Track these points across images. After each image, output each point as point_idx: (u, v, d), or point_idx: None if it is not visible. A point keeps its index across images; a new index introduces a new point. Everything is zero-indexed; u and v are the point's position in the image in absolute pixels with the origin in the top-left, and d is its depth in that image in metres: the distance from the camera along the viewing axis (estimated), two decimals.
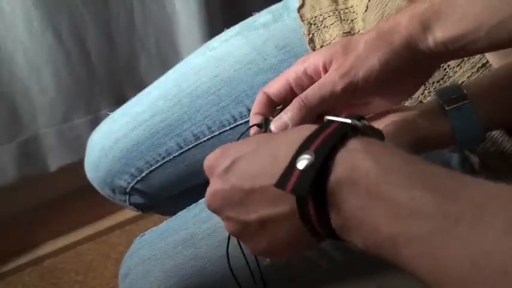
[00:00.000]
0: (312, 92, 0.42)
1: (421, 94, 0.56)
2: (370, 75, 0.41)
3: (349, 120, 0.32)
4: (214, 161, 0.37)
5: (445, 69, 0.55)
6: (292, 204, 0.32)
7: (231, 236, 0.48)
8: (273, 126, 0.42)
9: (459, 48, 0.40)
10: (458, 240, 0.25)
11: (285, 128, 0.42)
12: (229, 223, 0.37)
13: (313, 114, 0.43)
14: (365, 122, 0.33)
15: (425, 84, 0.56)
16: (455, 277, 0.25)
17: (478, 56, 0.52)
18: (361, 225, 0.29)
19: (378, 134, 0.34)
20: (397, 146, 0.31)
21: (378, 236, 0.28)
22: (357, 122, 0.32)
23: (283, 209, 0.32)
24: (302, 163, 0.30)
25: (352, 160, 0.29)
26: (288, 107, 0.43)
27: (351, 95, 0.42)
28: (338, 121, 0.32)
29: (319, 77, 0.44)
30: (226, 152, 0.36)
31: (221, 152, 0.37)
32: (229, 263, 0.47)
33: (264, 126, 0.42)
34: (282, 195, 0.31)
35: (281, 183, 0.30)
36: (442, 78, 0.55)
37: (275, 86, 0.46)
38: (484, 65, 0.51)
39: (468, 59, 0.53)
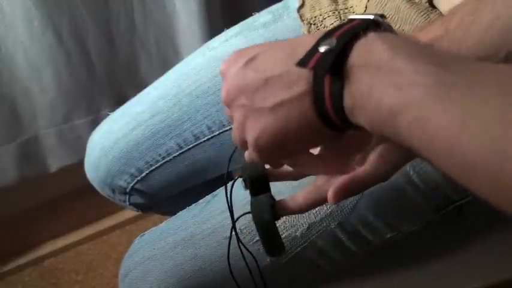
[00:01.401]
0: None
1: None
2: None
3: (371, 16, 0.34)
4: (231, 61, 0.38)
5: None
6: (307, 86, 0.33)
7: (227, 238, 0.48)
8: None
9: None
10: (450, 103, 0.26)
11: None
12: (240, 113, 0.37)
13: None
14: (386, 20, 0.34)
15: None
16: (444, 139, 0.26)
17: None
18: (368, 101, 0.30)
19: (396, 32, 0.35)
20: None
21: (381, 111, 0.29)
22: (379, 18, 0.33)
23: (298, 90, 0.33)
24: (324, 47, 0.32)
25: (369, 46, 0.31)
26: None
27: None
28: (361, 18, 0.34)
29: None
30: (243, 52, 0.37)
31: (238, 52, 0.37)
32: (229, 263, 0.47)
33: None
34: (299, 78, 0.33)
35: (303, 62, 0.32)
36: None
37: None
38: None
39: None
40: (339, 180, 0.37)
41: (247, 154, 0.43)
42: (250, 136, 0.37)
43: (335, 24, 0.65)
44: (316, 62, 0.32)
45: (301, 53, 0.33)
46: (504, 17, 0.36)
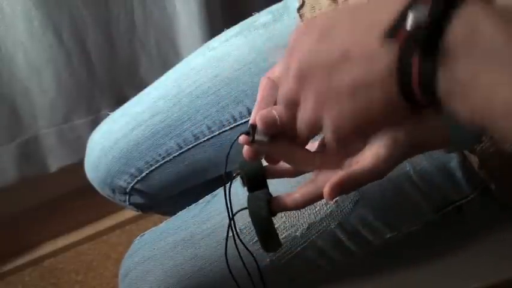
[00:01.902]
0: None
1: None
2: None
3: None
4: (302, 32, 0.33)
5: None
6: (392, 64, 0.29)
7: (229, 237, 0.48)
8: (258, 120, 0.40)
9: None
10: None
11: (272, 123, 0.39)
12: (316, 94, 0.33)
13: None
14: None
15: None
16: None
17: None
18: (474, 90, 0.26)
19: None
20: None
21: (492, 103, 0.26)
22: None
23: (381, 68, 0.29)
24: (413, 18, 0.27)
25: (473, 19, 0.26)
26: (280, 108, 0.40)
27: None
28: None
29: None
30: (316, 22, 0.32)
31: (310, 22, 0.33)
32: (227, 262, 0.47)
33: (251, 134, 0.42)
34: (382, 53, 0.29)
35: (390, 33, 0.28)
36: None
37: (278, 70, 0.44)
38: None
39: None
40: (336, 176, 0.37)
41: (245, 150, 0.43)
42: (329, 121, 0.33)
43: None
44: (404, 40, 0.27)
45: (384, 22, 0.28)
46: None
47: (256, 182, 0.43)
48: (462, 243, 0.65)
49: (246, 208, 0.41)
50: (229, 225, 0.46)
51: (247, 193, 0.43)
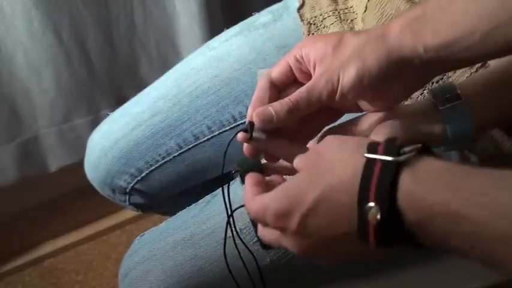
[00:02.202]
0: (300, 97, 0.43)
1: (421, 94, 0.56)
2: (347, 84, 0.41)
3: (390, 158, 0.33)
4: (281, 218, 0.37)
5: None
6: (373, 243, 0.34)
7: (229, 237, 0.48)
8: (255, 116, 0.42)
9: (452, 56, 0.40)
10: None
11: (269, 119, 0.42)
12: (326, 258, 0.41)
13: (301, 115, 0.43)
14: (405, 150, 0.33)
15: None
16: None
17: None
18: (449, 246, 0.32)
19: (421, 151, 0.34)
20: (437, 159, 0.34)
21: (465, 254, 0.31)
22: (399, 158, 0.33)
23: (369, 247, 0.35)
24: (371, 215, 0.32)
25: (416, 207, 0.31)
26: (277, 104, 0.43)
27: (336, 99, 0.43)
28: (380, 160, 0.33)
29: (310, 70, 0.44)
30: (288, 208, 0.37)
31: (285, 209, 0.37)
32: (227, 263, 0.47)
33: (249, 132, 0.43)
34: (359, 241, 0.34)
35: (363, 237, 0.33)
36: (442, 79, 0.55)
37: (276, 70, 0.46)
38: (483, 65, 0.51)
39: None
40: None
41: (245, 148, 0.44)
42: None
43: (335, 24, 0.65)
44: (375, 239, 0.33)
45: (348, 210, 0.34)
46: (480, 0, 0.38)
47: None
48: None
49: (243, 206, 0.41)
50: (228, 222, 0.46)
51: None
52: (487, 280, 0.64)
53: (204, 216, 0.62)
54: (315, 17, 0.67)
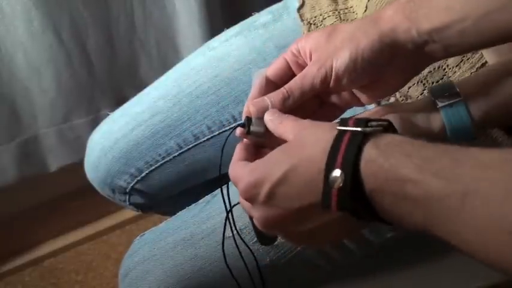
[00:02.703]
0: (294, 85, 0.44)
1: (421, 94, 0.56)
2: (341, 68, 0.42)
3: (359, 129, 0.35)
4: (251, 189, 0.38)
5: (444, 69, 0.55)
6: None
7: (229, 237, 0.48)
8: (252, 106, 0.44)
9: (445, 40, 0.40)
10: (467, 211, 0.29)
11: (264, 108, 0.44)
12: (289, 235, 0.40)
13: (296, 103, 0.44)
14: (372, 123, 0.35)
15: (424, 84, 0.56)
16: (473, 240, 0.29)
17: (477, 56, 0.52)
18: (400, 218, 0.33)
19: (387, 128, 0.36)
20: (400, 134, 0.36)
21: (416, 223, 0.32)
22: (366, 129, 0.35)
23: (334, 216, 0.36)
24: (336, 182, 0.34)
25: (373, 172, 0.33)
26: (272, 94, 0.44)
27: (330, 86, 0.43)
28: (349, 130, 0.35)
29: (307, 62, 0.45)
30: (259, 179, 0.38)
31: (254, 181, 0.38)
32: (226, 263, 0.47)
33: (246, 126, 0.43)
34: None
35: (326, 204, 0.34)
36: (442, 78, 0.55)
37: (273, 67, 0.47)
38: (483, 65, 0.51)
39: (467, 59, 0.53)
40: None
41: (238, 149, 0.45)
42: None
43: (335, 24, 0.65)
44: (337, 203, 0.34)
45: (315, 179, 0.35)
46: None
47: None
48: None
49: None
50: (226, 218, 0.46)
51: None
52: (488, 280, 0.64)
53: (204, 216, 0.62)
54: (315, 17, 0.67)
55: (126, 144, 0.72)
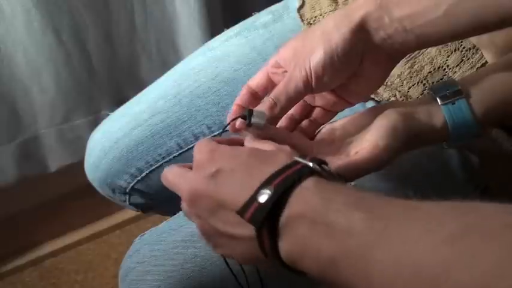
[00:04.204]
0: (279, 92, 0.44)
1: (421, 94, 0.56)
2: (318, 65, 0.42)
3: (310, 164, 0.35)
4: (204, 161, 0.40)
5: (445, 69, 0.55)
6: (251, 230, 0.34)
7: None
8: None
9: (418, 29, 0.40)
10: (383, 247, 0.28)
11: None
12: (199, 220, 0.40)
13: (285, 111, 0.44)
14: (325, 166, 0.36)
15: (424, 84, 0.56)
16: (383, 280, 0.28)
17: (477, 56, 0.52)
18: (306, 251, 0.32)
19: (336, 178, 0.36)
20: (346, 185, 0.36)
21: (320, 259, 0.31)
22: (316, 166, 0.35)
23: (243, 232, 0.35)
24: (263, 197, 0.33)
25: (304, 197, 0.33)
26: (260, 106, 0.45)
27: (313, 86, 0.43)
28: (302, 163, 0.35)
29: (288, 70, 0.45)
30: (215, 157, 0.39)
31: (211, 155, 0.39)
32: (226, 263, 0.47)
33: (248, 118, 0.43)
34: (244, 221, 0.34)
35: (242, 211, 0.34)
36: (442, 78, 0.55)
37: (255, 78, 0.48)
38: (483, 65, 0.51)
39: (467, 59, 0.53)
40: (332, 166, 0.38)
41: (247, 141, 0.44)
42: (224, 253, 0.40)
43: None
44: (252, 215, 0.33)
45: (249, 188, 0.34)
46: None
47: None
48: None
49: None
50: None
51: None
52: None
53: None
54: (315, 17, 0.67)
55: (126, 144, 0.72)
